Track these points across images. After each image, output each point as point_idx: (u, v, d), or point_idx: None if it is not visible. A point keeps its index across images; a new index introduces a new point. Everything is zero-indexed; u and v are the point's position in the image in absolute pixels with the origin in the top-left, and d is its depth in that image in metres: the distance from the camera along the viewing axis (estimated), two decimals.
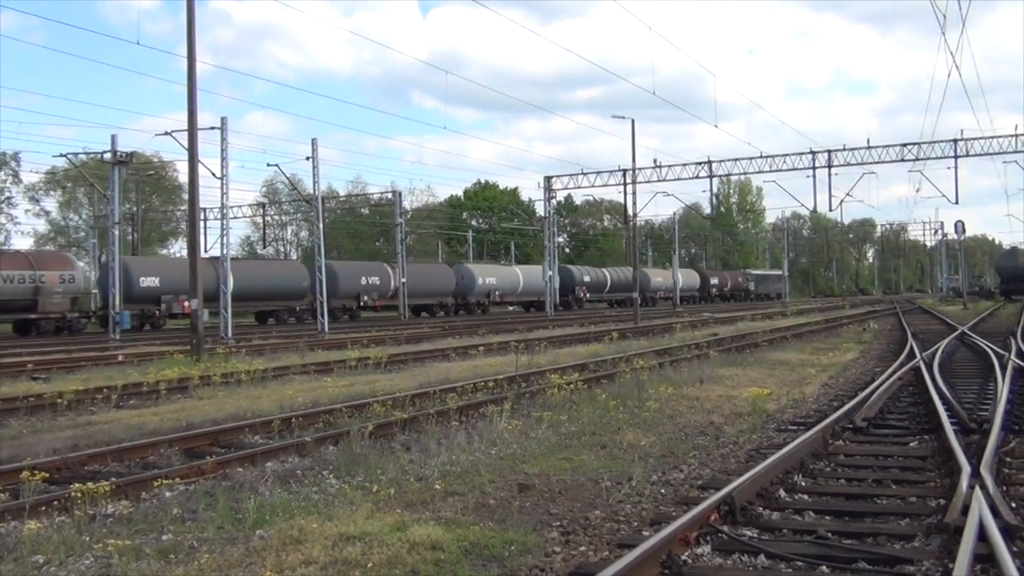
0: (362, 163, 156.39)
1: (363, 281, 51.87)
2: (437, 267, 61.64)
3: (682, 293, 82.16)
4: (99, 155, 37.28)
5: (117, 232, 36.53)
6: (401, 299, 50.26)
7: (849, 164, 44.50)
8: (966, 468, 7.15)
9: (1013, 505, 6.64)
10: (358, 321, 49.77)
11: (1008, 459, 8.40)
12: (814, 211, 57.72)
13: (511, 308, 66.84)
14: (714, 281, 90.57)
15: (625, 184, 47.93)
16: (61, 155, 39.64)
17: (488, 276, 61.20)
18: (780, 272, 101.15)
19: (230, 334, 31.56)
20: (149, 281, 41.48)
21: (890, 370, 15.90)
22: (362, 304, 51.67)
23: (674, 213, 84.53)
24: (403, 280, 50.35)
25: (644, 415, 11.80)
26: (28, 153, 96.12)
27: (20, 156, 62.58)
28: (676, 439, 10.28)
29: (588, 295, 69.77)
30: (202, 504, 7.32)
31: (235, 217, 52.41)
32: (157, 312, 42.09)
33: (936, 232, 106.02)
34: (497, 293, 61.29)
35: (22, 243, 68.16)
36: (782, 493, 7.34)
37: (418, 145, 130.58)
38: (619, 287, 72.27)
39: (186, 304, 43.05)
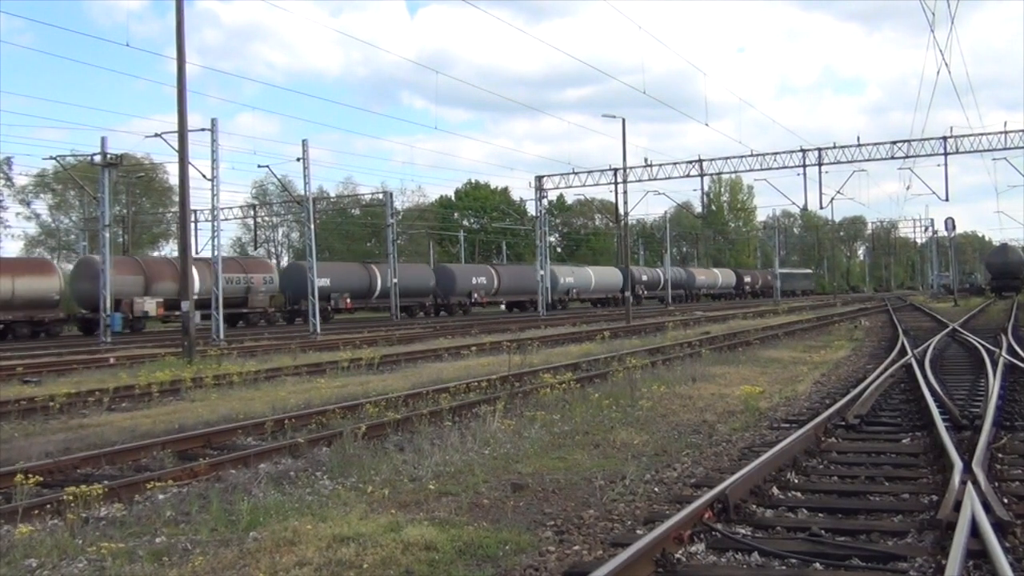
0: (352, 164, 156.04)
1: (473, 281, 59.35)
2: (529, 269, 67.90)
3: (720, 290, 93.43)
4: (89, 157, 37.20)
5: (107, 234, 36.45)
6: (392, 298, 50.24)
7: (839, 162, 44.62)
8: (958, 464, 7.17)
9: (1005, 501, 6.67)
10: (468, 315, 56.13)
11: (1000, 455, 8.43)
12: (805, 209, 57.96)
13: (586, 303, 73.34)
14: (747, 279, 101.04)
15: (616, 183, 47.97)
16: (51, 158, 39.56)
17: (567, 276, 67.74)
18: (806, 270, 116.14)
19: (222, 336, 31.48)
20: (322, 281, 45.91)
21: (882, 367, 15.94)
22: (472, 300, 57.86)
23: (665, 212, 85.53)
24: (394, 280, 50.43)
25: (637, 414, 11.82)
26: (18, 156, 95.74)
27: (12, 160, 62.18)
28: (669, 438, 10.28)
29: (646, 292, 76.94)
30: (195, 506, 7.31)
31: (226, 219, 52.36)
32: (329, 307, 48.41)
33: (926, 229, 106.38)
34: (574, 291, 68.02)
35: (12, 246, 67.85)
36: (775, 491, 7.36)
37: (408, 145, 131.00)
38: (672, 284, 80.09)
39: (348, 301, 49.89)
